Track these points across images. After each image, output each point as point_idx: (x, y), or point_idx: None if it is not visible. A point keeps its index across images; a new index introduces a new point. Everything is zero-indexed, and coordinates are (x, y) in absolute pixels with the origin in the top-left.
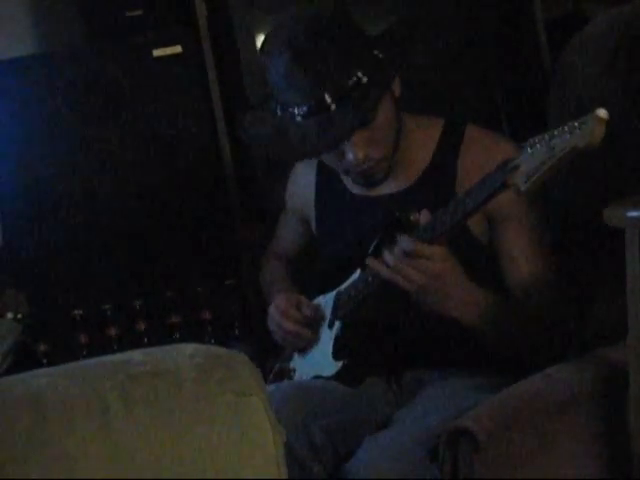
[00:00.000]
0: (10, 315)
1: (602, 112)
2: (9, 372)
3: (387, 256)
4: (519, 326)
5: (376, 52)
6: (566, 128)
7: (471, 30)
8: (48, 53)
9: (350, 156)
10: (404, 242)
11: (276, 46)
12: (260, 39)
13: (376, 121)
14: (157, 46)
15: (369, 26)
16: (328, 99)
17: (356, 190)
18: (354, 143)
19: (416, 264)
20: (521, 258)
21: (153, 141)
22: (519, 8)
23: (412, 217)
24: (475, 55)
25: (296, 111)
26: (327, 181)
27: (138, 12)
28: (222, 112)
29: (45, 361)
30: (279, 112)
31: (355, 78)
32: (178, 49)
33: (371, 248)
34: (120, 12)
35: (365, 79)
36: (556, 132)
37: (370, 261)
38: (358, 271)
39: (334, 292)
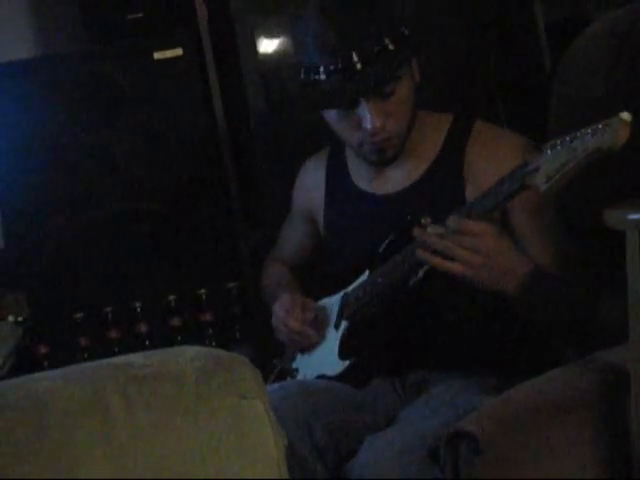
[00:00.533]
0: (11, 318)
1: (626, 115)
2: (10, 375)
3: (434, 242)
4: (555, 300)
5: (403, 28)
6: (589, 130)
7: (472, 32)
8: (49, 56)
9: (367, 124)
10: (451, 221)
11: (309, 10)
12: (261, 42)
13: (395, 95)
14: (158, 48)
15: None
16: (355, 58)
17: (365, 187)
18: (373, 110)
19: (470, 243)
20: (534, 243)
21: (154, 143)
22: (519, 10)
23: (423, 220)
24: (476, 57)
25: (322, 69)
26: (337, 178)
27: (139, 15)
28: (223, 114)
29: (46, 364)
30: (302, 75)
31: (382, 44)
32: (179, 52)
33: (381, 247)
34: (121, 15)
35: (392, 47)
36: (578, 134)
37: (419, 252)
38: (367, 273)
39: (341, 293)
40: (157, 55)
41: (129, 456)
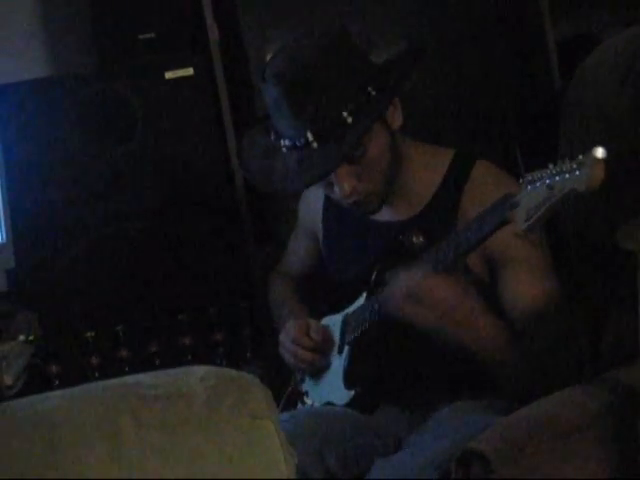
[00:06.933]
0: (22, 337)
1: (600, 152)
2: (21, 394)
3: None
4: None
5: (369, 89)
6: (564, 168)
7: (481, 53)
8: (60, 75)
9: (336, 189)
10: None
11: (270, 74)
12: None
13: (366, 156)
14: (169, 68)
15: (376, 52)
16: (310, 137)
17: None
18: (339, 177)
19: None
20: (523, 298)
21: (165, 163)
22: (530, 30)
23: (414, 239)
24: (486, 78)
25: (281, 142)
26: (335, 201)
27: (150, 35)
28: (233, 134)
29: (57, 383)
30: (272, 136)
31: (339, 118)
32: (190, 71)
33: (373, 275)
34: (133, 35)
35: (350, 119)
36: (554, 171)
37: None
38: (364, 295)
39: (342, 314)
40: (168, 75)
41: (139, 476)
